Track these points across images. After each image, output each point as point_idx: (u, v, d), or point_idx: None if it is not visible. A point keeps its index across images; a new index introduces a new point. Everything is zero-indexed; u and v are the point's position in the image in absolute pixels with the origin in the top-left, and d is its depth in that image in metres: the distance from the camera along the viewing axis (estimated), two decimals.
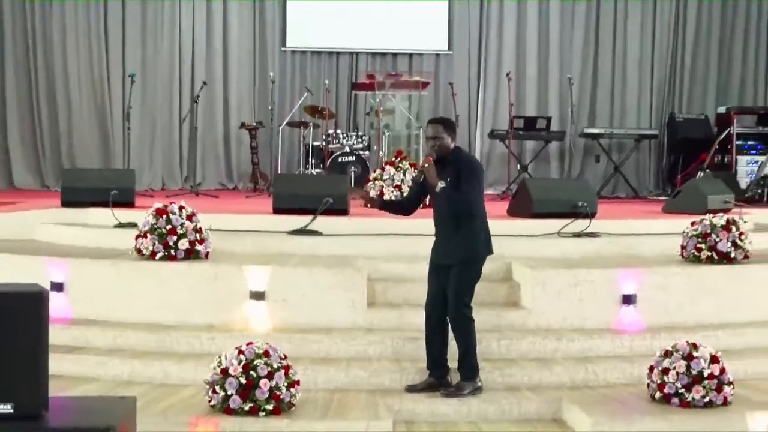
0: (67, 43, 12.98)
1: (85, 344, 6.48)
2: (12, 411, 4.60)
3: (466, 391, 5.98)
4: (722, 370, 5.77)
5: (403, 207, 6.71)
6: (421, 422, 5.83)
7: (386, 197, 9.40)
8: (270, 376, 5.44)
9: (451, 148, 6.06)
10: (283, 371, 5.50)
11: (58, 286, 6.76)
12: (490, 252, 6.12)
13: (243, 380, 5.40)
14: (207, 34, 13.58)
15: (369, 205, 6.53)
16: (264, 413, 5.39)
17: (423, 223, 7.20)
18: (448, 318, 5.99)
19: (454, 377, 6.09)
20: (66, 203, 8.61)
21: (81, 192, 8.61)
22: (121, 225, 7.87)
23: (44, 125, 12.95)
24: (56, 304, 6.16)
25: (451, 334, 6.05)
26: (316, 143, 12.15)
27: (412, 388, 6.10)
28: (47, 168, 12.91)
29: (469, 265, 6.01)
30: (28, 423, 4.61)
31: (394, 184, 9.54)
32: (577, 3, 13.94)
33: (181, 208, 7.16)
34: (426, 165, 5.97)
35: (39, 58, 12.93)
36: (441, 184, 5.85)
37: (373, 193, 9.17)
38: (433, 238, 6.16)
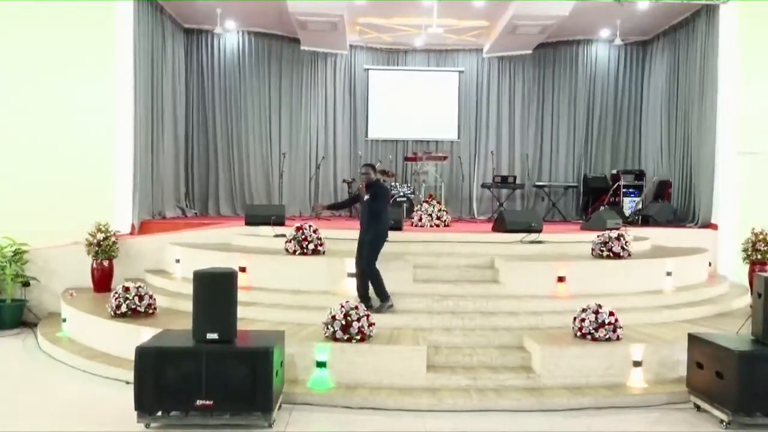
0: (250, 138, 13.06)
1: (256, 301, 6.56)
2: (217, 337, 4.69)
3: (383, 310, 6.00)
4: (616, 320, 5.68)
5: (342, 207, 6.75)
6: (442, 347, 5.78)
7: (420, 219, 9.36)
8: (358, 320, 5.44)
9: (374, 179, 6.17)
10: (365, 317, 5.50)
11: (242, 269, 6.86)
12: (387, 235, 6.20)
13: (343, 322, 5.41)
14: (324, 130, 13.55)
15: (320, 213, 6.70)
16: (355, 341, 5.39)
17: (442, 236, 7.12)
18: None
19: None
20: (247, 223, 8.67)
21: (255, 217, 8.66)
22: (276, 236, 7.94)
23: (236, 180, 13.02)
24: (241, 279, 6.25)
25: None
26: None
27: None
28: (237, 203, 13.00)
29: (378, 241, 6.07)
30: (225, 344, 4.69)
31: (428, 213, 9.47)
32: (530, 103, 13.65)
33: (309, 226, 7.21)
34: (360, 186, 6.20)
35: (234, 146, 13.03)
36: (366, 197, 6.07)
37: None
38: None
